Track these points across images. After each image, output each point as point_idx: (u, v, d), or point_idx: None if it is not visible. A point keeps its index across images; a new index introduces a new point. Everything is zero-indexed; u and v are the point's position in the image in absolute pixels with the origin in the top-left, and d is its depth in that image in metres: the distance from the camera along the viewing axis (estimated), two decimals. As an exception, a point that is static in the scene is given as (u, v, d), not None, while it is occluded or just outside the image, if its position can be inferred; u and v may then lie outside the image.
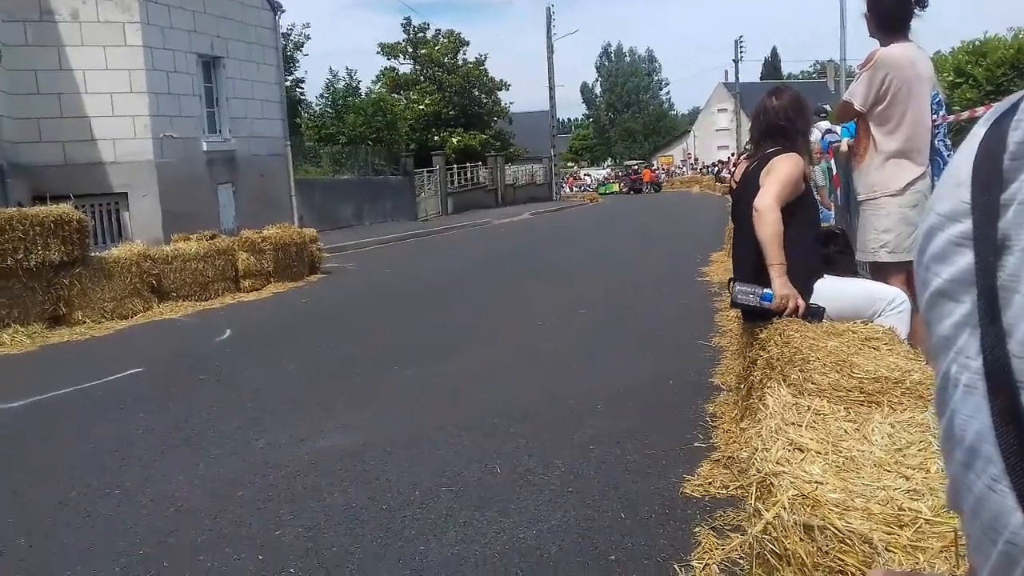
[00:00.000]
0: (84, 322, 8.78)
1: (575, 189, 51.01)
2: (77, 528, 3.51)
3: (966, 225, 0.55)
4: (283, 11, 19.60)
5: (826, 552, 1.62)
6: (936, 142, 5.16)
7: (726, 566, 2.77)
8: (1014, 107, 0.54)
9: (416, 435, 4.55)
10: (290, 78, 28.25)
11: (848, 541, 1.61)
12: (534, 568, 2.94)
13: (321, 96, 32.17)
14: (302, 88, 32.79)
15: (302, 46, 32.78)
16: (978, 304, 0.53)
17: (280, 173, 18.77)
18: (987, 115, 0.58)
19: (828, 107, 10.78)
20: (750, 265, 3.82)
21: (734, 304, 3.91)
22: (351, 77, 32.95)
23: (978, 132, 0.57)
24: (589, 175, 59.14)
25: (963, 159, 0.57)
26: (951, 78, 14.24)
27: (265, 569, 3.05)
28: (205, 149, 16.17)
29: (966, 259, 0.54)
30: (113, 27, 14.24)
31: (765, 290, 3.63)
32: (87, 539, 3.39)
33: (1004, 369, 0.50)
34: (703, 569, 2.79)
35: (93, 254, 9.39)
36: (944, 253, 0.57)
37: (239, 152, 17.19)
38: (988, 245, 0.52)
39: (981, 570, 0.56)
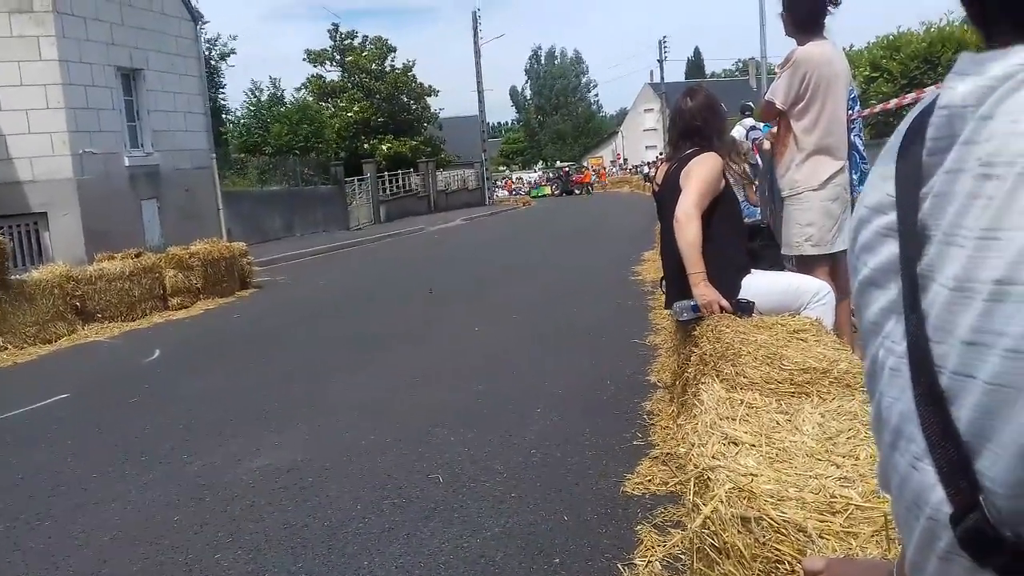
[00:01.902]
0: (6, 348, 8.47)
1: (513, 192, 51.11)
2: (6, 562, 3.38)
3: (891, 217, 0.58)
4: (205, 21, 19.24)
5: (763, 543, 1.66)
6: (852, 137, 5.32)
7: (668, 562, 2.81)
8: (932, 104, 0.57)
9: (354, 448, 4.50)
10: (213, 90, 27.65)
11: (783, 531, 1.64)
12: (479, 576, 2.94)
13: (245, 106, 31.60)
14: (224, 94, 32.19)
15: (227, 56, 32.20)
16: (902, 291, 0.55)
17: (206, 186, 18.36)
18: (911, 112, 0.60)
19: (752, 104, 11.02)
20: (678, 263, 3.88)
21: (678, 321, 3.99)
22: (275, 86, 32.49)
23: (902, 128, 0.60)
24: (522, 179, 59.33)
25: (889, 153, 0.60)
26: (867, 72, 14.68)
27: (204, 594, 2.98)
28: (127, 164, 15.74)
29: (891, 249, 0.57)
30: (27, 41, 13.75)
31: (692, 301, 3.72)
32: (17, 573, 3.27)
33: (924, 352, 0.53)
34: (646, 567, 2.82)
35: (13, 277, 9.06)
36: (871, 243, 0.60)
37: (163, 166, 16.77)
38: (910, 236, 0.55)
39: (907, 546, 0.59)
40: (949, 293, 0.52)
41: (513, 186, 54.26)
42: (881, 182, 0.60)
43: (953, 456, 0.52)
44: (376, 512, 3.59)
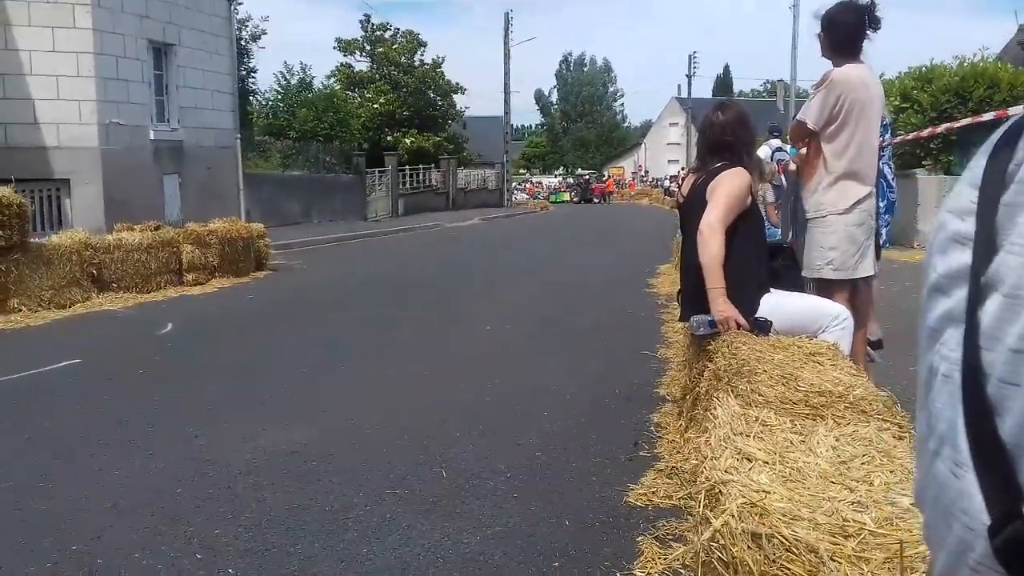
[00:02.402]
0: (20, 310, 8.51)
1: (536, 196, 51.05)
2: (5, 524, 3.39)
3: (969, 224, 0.57)
4: (239, 2, 19.31)
5: (773, 560, 1.64)
6: (881, 164, 5.29)
7: (668, 575, 2.79)
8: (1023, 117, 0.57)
9: (361, 436, 4.50)
10: (242, 69, 27.71)
11: (795, 550, 1.63)
12: (477, 574, 2.93)
13: (273, 89, 31.57)
14: (254, 78, 32.24)
15: (259, 38, 32.30)
16: (967, 298, 0.55)
17: (229, 166, 18.43)
18: (1007, 123, 0.61)
19: (779, 125, 10.97)
20: (697, 277, 3.86)
21: (694, 335, 3.97)
22: (305, 72, 32.48)
23: (995, 136, 0.60)
24: (541, 183, 59.38)
25: (979, 162, 0.59)
26: (897, 102, 14.56)
27: (203, 568, 2.98)
28: (152, 138, 15.82)
29: (962, 256, 0.57)
30: (63, 8, 13.84)
31: (709, 316, 3.70)
32: (16, 535, 3.27)
33: (975, 359, 0.54)
34: (646, 577, 2.80)
35: (32, 240, 9.12)
36: (944, 248, 0.60)
37: (187, 142, 16.85)
38: (982, 244, 0.55)
39: (936, 558, 0.59)
40: (1003, 300, 0.52)
41: (536, 190, 54.22)
42: (967, 188, 0.60)
43: (996, 464, 0.52)
44: (377, 501, 3.58)
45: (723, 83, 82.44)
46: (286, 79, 31.33)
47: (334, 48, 38.57)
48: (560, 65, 76.99)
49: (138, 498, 3.64)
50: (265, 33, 30.97)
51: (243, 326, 8.17)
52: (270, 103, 30.89)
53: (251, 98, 30.89)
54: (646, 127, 78.83)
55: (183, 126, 16.77)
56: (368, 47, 38.21)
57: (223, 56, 18.50)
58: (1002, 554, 0.51)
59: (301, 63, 43.47)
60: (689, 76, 57.36)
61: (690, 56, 56.54)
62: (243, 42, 28.68)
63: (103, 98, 14.32)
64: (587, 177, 52.48)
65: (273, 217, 19.23)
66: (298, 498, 3.62)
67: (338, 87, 35.65)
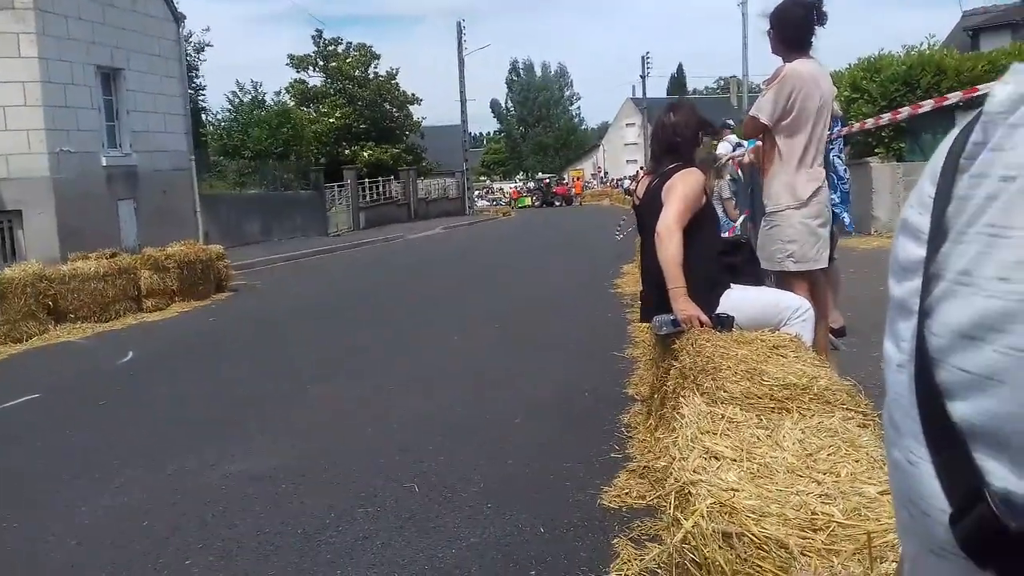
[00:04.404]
0: (-26, 347, 8.32)
1: (496, 202, 51.00)
2: (-33, 567, 3.30)
3: (925, 218, 0.58)
4: (186, 20, 19.12)
5: (745, 559, 1.64)
6: (832, 156, 5.36)
7: (645, 576, 2.79)
8: (980, 112, 0.57)
9: (330, 456, 4.46)
10: (191, 87, 27.37)
11: (765, 547, 1.63)
12: (454, 587, 2.91)
13: (225, 109, 31.25)
14: (203, 95, 31.91)
15: (203, 50, 31.96)
16: (920, 289, 0.56)
17: (184, 188, 18.23)
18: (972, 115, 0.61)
19: (731, 121, 11.08)
20: (657, 277, 3.88)
21: (658, 335, 3.98)
22: (256, 89, 32.12)
23: (953, 132, 0.60)
24: (503, 188, 59.51)
25: (939, 156, 0.60)
26: (847, 93, 14.74)
27: (174, 601, 2.93)
28: (104, 164, 15.59)
29: (916, 248, 0.58)
30: (7, 38, 13.58)
31: (672, 315, 3.71)
32: (-22, 578, 3.19)
33: (925, 346, 0.54)
34: (623, 580, 2.80)
35: (-16, 275, 8.92)
36: (902, 241, 0.61)
37: (141, 167, 16.62)
38: (933, 235, 0.56)
39: (904, 544, 0.60)
40: (949, 286, 0.53)
41: (519, 194, 53.58)
42: (927, 182, 0.60)
43: (950, 449, 0.52)
44: (350, 520, 3.54)
45: (677, 82, 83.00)
46: (238, 98, 31.01)
47: (287, 65, 38.37)
48: (509, 72, 77.16)
49: (105, 533, 3.57)
50: (210, 45, 30.67)
51: (205, 351, 8.05)
52: (223, 123, 30.56)
53: (202, 116, 30.52)
54: (603, 129, 79.26)
55: (136, 150, 16.55)
56: (321, 62, 38.03)
57: (173, 78, 18.29)
58: (966, 541, 0.50)
59: (252, 81, 42.87)
60: (643, 77, 57.81)
61: (643, 57, 56.99)
62: (189, 57, 28.39)
63: (52, 126, 14.08)
64: (547, 181, 52.67)
65: (232, 237, 19.03)
66: (270, 523, 3.57)
67: (292, 103, 35.37)
